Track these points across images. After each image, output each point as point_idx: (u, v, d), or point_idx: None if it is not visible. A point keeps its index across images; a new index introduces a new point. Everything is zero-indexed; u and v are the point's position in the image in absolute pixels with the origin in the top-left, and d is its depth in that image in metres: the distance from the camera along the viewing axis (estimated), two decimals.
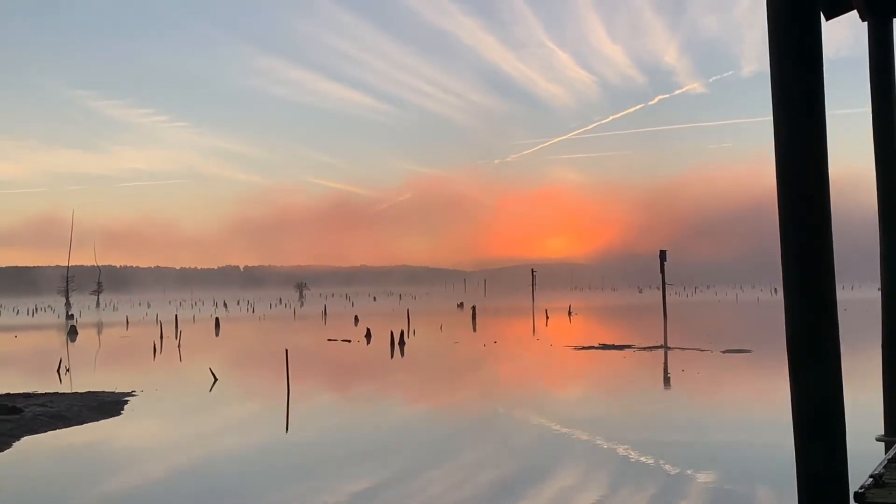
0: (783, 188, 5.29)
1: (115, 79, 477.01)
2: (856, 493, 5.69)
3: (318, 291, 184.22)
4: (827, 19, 10.78)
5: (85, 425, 15.87)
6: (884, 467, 6.58)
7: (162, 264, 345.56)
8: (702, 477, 10.51)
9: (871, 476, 6.11)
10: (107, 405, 17.99)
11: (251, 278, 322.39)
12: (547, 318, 58.72)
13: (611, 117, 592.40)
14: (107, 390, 20.45)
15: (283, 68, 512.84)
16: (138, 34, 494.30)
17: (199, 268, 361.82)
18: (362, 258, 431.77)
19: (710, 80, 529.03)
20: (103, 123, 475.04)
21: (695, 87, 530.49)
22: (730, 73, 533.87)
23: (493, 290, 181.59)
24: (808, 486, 5.13)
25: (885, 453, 7.68)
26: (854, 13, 10.97)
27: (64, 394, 19.83)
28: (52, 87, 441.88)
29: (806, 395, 5.22)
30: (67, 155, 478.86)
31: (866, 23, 11.21)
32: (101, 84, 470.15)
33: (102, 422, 16.26)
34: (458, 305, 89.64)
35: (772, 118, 5.31)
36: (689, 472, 10.79)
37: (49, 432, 15.11)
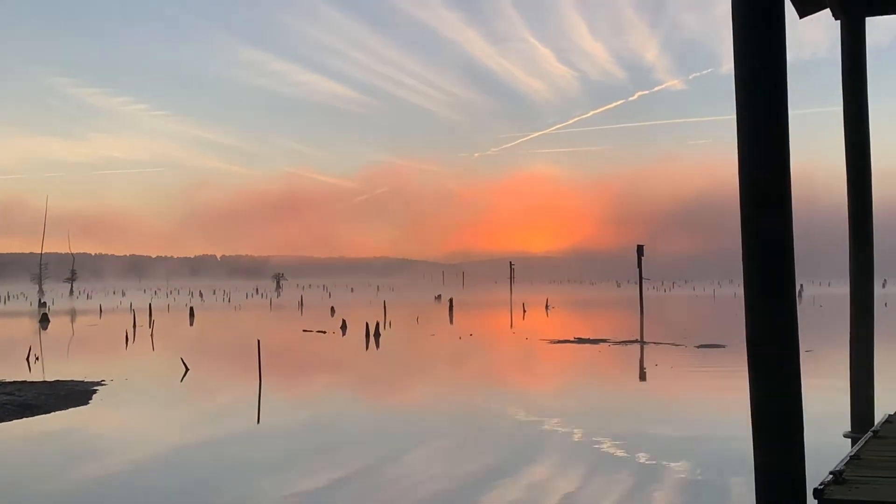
0: (745, 187, 5.29)
1: (95, 66, 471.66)
2: (815, 490, 5.68)
3: (295, 282, 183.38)
4: (801, 17, 10.83)
5: (52, 414, 15.69)
6: (845, 464, 6.57)
7: (138, 253, 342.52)
8: (672, 468, 10.56)
9: (831, 472, 6.10)
10: (75, 394, 17.80)
11: (228, 268, 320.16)
12: (524, 311, 58.84)
13: (591, 112, 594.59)
14: (76, 379, 20.23)
15: (266, 59, 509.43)
16: (119, 22, 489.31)
17: (175, 257, 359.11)
18: (340, 249, 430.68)
19: (690, 77, 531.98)
20: (82, 111, 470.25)
21: (674, 83, 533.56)
22: (709, 70, 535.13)
23: (471, 282, 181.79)
24: (766, 484, 5.14)
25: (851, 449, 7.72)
26: (827, 11, 11.01)
27: (32, 382, 19.60)
28: (31, 73, 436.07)
29: (764, 392, 5.23)
30: (45, 141, 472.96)
31: (839, 21, 11.26)
32: (81, 71, 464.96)
33: (70, 411, 16.08)
34: (435, 298, 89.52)
35: (735, 115, 5.30)
36: (659, 463, 10.83)
37: (16, 420, 14.94)
